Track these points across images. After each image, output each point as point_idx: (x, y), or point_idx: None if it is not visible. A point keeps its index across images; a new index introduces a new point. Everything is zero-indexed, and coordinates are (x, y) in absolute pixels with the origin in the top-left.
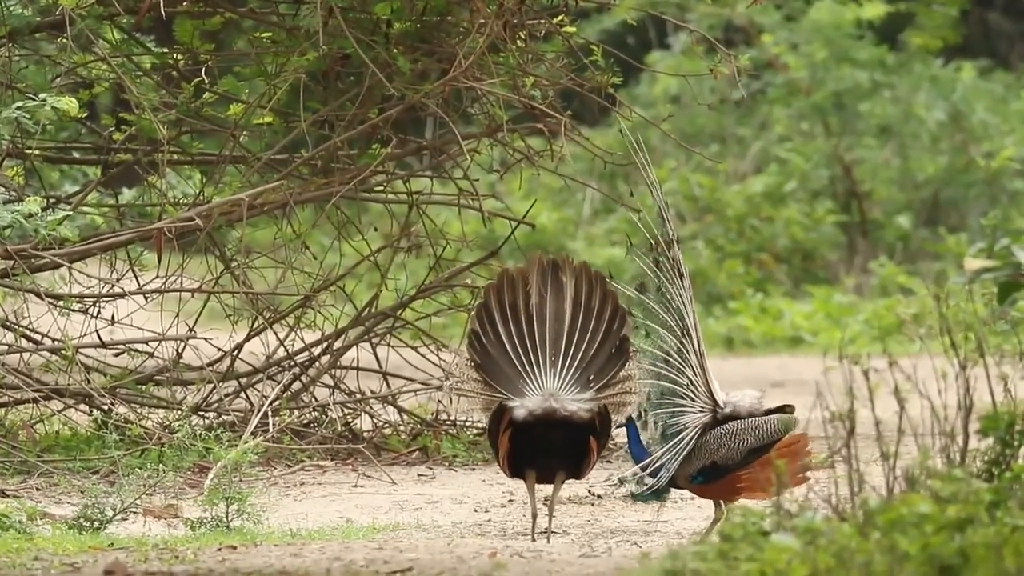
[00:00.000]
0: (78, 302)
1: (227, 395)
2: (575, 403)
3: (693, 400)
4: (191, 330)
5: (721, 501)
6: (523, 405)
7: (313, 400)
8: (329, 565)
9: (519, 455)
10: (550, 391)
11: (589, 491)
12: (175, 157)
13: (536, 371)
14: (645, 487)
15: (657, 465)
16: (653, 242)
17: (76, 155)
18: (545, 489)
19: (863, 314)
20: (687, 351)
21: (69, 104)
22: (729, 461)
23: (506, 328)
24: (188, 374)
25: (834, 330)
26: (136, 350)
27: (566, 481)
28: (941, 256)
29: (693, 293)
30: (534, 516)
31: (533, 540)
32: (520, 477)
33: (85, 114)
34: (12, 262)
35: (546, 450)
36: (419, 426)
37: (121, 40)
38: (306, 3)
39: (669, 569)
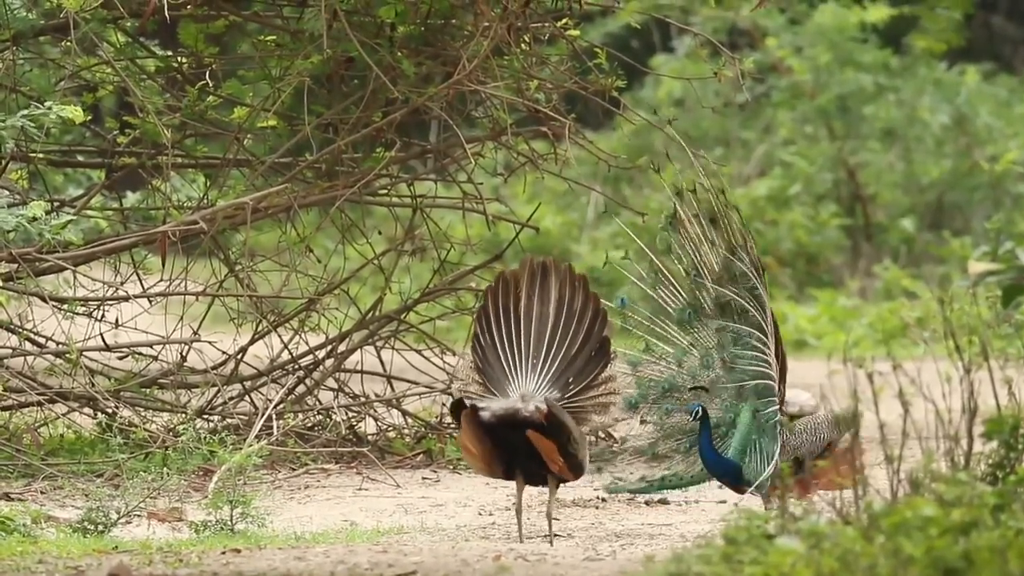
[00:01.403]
0: (82, 305)
1: (231, 398)
2: (535, 404)
3: (775, 397)
4: (195, 333)
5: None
6: (488, 407)
7: (317, 403)
8: (333, 568)
9: (499, 456)
10: (526, 392)
11: (585, 499)
12: (179, 160)
13: (518, 373)
14: (764, 487)
15: (773, 464)
16: (741, 241)
17: (80, 159)
18: (543, 492)
19: (867, 317)
20: (769, 350)
21: (75, 113)
22: (810, 457)
23: (499, 331)
24: (192, 377)
25: (838, 333)
26: (140, 353)
27: (561, 484)
28: (945, 259)
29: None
30: (518, 512)
31: (521, 541)
32: (505, 478)
33: (89, 118)
34: (16, 265)
35: (516, 452)
36: (423, 429)
37: (125, 43)
38: (310, 6)
39: (673, 572)
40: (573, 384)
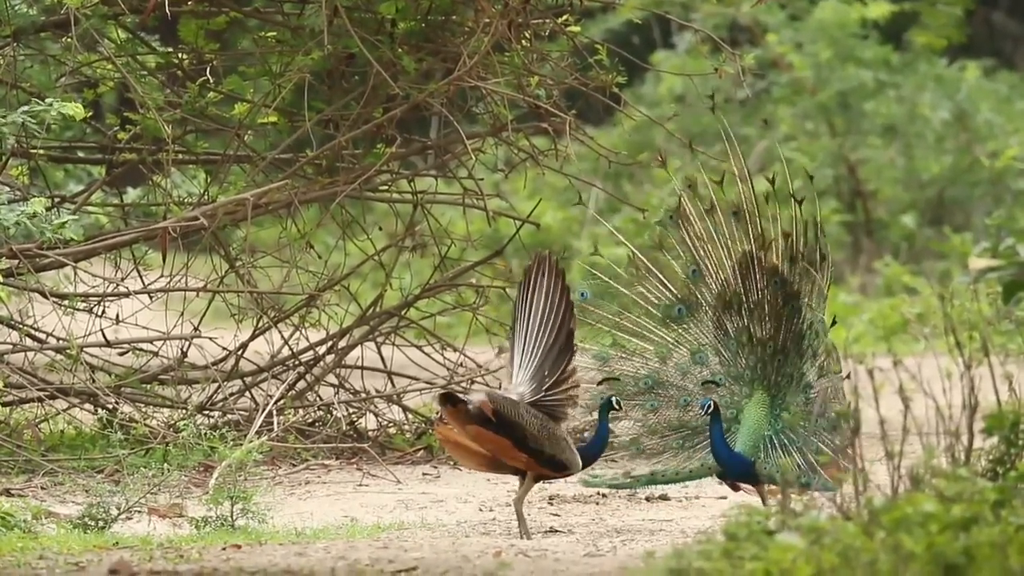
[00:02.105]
0: (83, 301)
1: (232, 394)
2: (478, 398)
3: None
4: (196, 329)
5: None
6: (470, 400)
7: (318, 399)
8: (334, 564)
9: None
10: (509, 386)
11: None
12: (180, 156)
13: (514, 366)
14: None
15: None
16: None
17: (81, 155)
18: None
19: (868, 313)
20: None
21: (75, 110)
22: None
23: (513, 324)
24: (193, 373)
25: (839, 329)
26: (141, 349)
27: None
28: (946, 255)
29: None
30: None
31: (528, 537)
32: (515, 473)
33: (90, 114)
34: (17, 261)
35: None
36: (424, 425)
37: (126, 39)
38: (311, 2)
39: (674, 568)
40: (548, 376)
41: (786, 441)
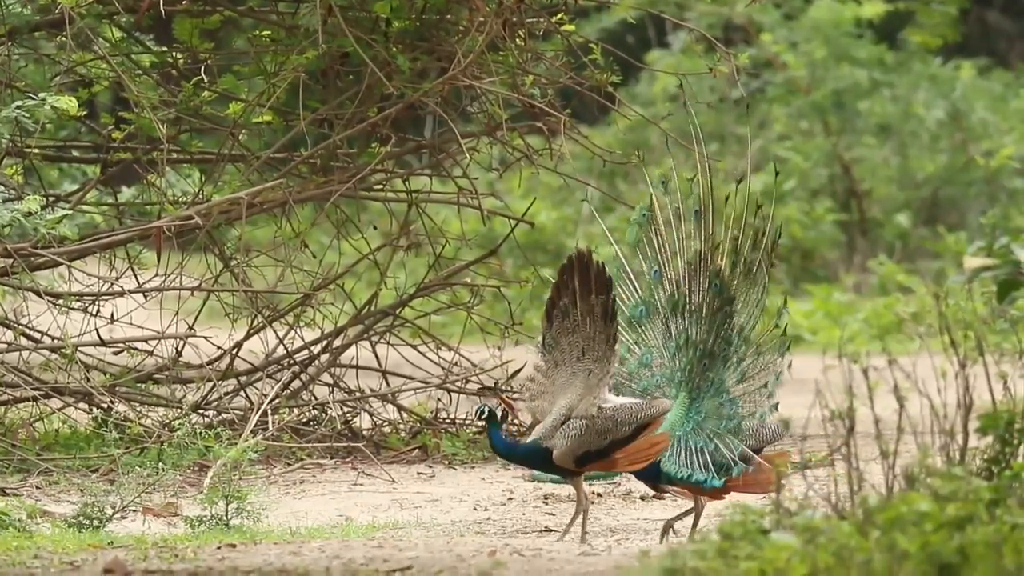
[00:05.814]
0: (77, 300)
1: (227, 393)
2: None
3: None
4: (190, 328)
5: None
6: None
7: (312, 398)
8: (328, 563)
9: None
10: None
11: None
12: (174, 156)
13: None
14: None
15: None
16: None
17: (75, 154)
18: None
19: (862, 313)
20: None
21: (68, 103)
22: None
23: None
24: (188, 372)
25: (833, 329)
26: (136, 348)
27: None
28: (940, 255)
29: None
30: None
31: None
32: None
33: (84, 113)
34: (11, 260)
35: None
36: (418, 424)
37: (120, 39)
38: (305, 1)
39: (668, 567)
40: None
41: (691, 443)
